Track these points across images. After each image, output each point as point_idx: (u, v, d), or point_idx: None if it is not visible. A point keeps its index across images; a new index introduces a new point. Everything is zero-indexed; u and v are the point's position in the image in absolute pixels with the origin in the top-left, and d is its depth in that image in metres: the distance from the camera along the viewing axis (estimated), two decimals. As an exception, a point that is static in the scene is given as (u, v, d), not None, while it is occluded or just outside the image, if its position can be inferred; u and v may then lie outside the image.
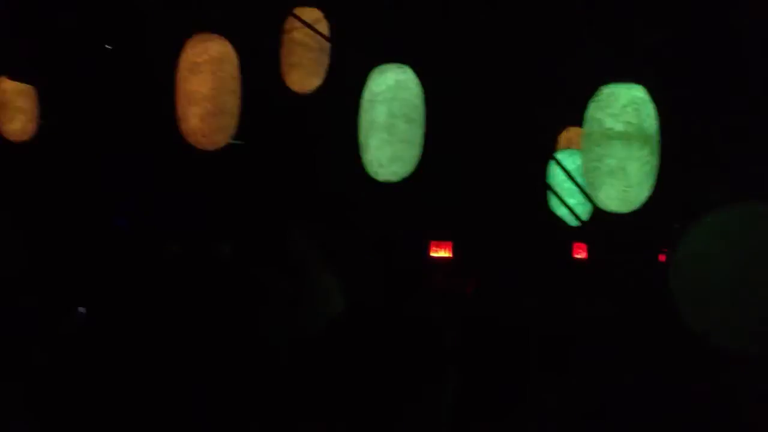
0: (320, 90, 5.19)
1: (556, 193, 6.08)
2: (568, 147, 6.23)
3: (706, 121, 5.72)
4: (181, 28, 4.52)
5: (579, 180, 5.35)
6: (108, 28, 5.44)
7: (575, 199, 5.93)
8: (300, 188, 8.69)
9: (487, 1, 5.18)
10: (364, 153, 4.66)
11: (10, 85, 5.62)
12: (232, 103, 4.55)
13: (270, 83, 5.15)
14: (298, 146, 8.16)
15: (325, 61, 5.13)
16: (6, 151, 6.03)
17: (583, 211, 6.07)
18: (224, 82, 4.49)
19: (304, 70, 5.15)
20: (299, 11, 4.93)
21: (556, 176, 6.10)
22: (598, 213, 5.00)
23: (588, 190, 4.56)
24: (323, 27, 5.00)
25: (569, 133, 6.30)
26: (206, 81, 4.40)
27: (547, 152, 6.10)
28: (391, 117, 4.61)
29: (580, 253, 11.47)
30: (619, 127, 4.17)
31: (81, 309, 5.02)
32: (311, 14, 4.96)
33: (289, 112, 6.22)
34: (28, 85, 5.62)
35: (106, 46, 5.47)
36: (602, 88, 4.27)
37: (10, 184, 6.81)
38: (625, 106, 4.18)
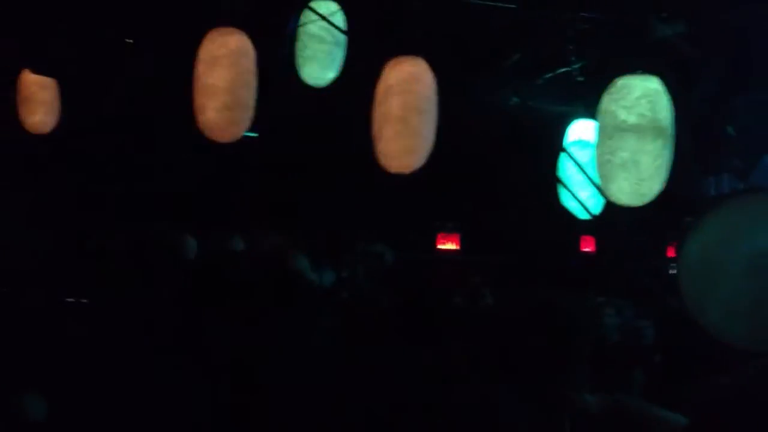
0: (335, 82, 5.20)
1: (566, 186, 6.09)
2: (579, 139, 6.23)
3: (720, 112, 5.73)
4: (200, 21, 4.55)
5: (590, 173, 5.37)
6: (128, 22, 5.47)
7: (586, 192, 5.94)
8: (310, 181, 8.73)
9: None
10: (377, 145, 4.69)
11: (32, 78, 5.66)
12: (248, 96, 4.59)
13: (285, 76, 5.17)
14: (312, 139, 8.17)
15: (340, 54, 5.14)
16: (27, 143, 6.07)
17: (594, 204, 6.09)
18: (241, 75, 4.52)
19: (319, 63, 5.17)
20: (315, 4, 4.95)
21: (567, 169, 6.10)
22: (608, 206, 5.02)
23: (600, 183, 4.58)
24: (339, 20, 5.02)
25: (580, 125, 6.30)
26: (224, 74, 4.43)
27: (558, 144, 6.11)
28: (404, 109, 4.64)
29: (589, 247, 11.48)
30: (632, 119, 4.18)
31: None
32: (327, 7, 4.98)
33: (304, 105, 6.23)
34: (50, 78, 5.65)
35: (127, 40, 5.49)
36: (616, 79, 4.28)
37: (30, 177, 6.85)
38: (639, 98, 4.19)
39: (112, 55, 5.78)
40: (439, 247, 12.34)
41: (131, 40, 5.58)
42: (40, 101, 5.67)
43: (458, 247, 12.36)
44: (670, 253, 8.47)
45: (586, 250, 11.50)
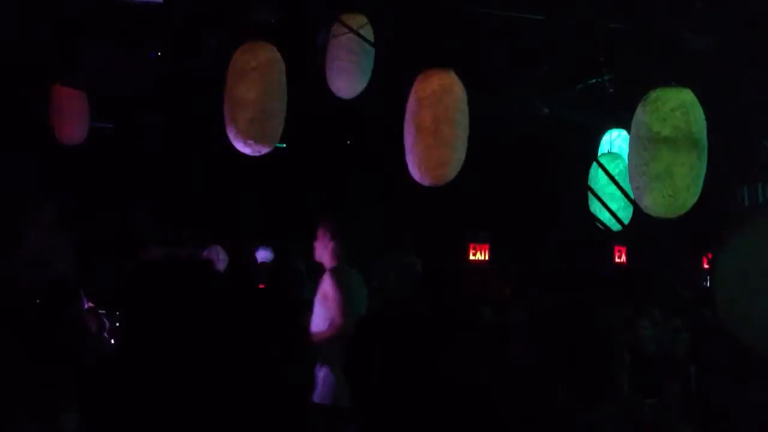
0: (364, 94, 5.20)
1: (598, 197, 6.03)
2: (611, 150, 6.19)
3: (754, 124, 5.67)
4: (231, 35, 4.58)
5: (623, 184, 5.31)
6: (157, 35, 5.53)
7: (617, 204, 5.89)
8: (342, 192, 8.74)
9: (531, 3, 5.16)
10: (410, 157, 4.68)
11: (63, 91, 5.74)
12: (278, 108, 4.60)
13: (314, 89, 5.18)
14: (342, 151, 8.20)
15: (369, 66, 5.14)
16: (60, 154, 6.15)
17: (626, 215, 6.03)
18: (272, 88, 4.54)
19: (348, 75, 5.17)
20: (344, 17, 4.96)
21: (598, 180, 6.06)
22: (640, 217, 4.97)
23: (633, 195, 4.53)
24: (368, 32, 5.02)
25: (612, 137, 6.26)
26: (254, 87, 4.45)
27: (590, 155, 6.06)
28: (436, 122, 4.62)
29: (621, 257, 11.40)
30: (666, 131, 4.13)
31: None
32: (356, 20, 4.98)
33: (334, 117, 6.24)
34: (80, 91, 5.73)
35: (158, 53, 5.56)
36: (650, 91, 4.24)
37: (63, 187, 6.93)
38: (673, 110, 4.14)
39: (142, 67, 5.84)
40: (471, 258, 12.31)
41: (160, 53, 5.62)
42: (70, 113, 5.75)
43: (488, 258, 12.33)
44: (705, 264, 8.38)
45: (620, 260, 11.42)
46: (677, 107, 4.13)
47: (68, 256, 6.01)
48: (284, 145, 6.50)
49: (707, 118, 4.19)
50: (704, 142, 4.18)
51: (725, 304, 4.27)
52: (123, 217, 7.22)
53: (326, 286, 5.22)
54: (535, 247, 9.92)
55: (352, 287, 5.25)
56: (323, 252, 5.39)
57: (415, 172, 4.66)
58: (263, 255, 7.85)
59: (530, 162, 7.99)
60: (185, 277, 3.32)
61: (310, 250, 5.53)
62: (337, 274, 5.25)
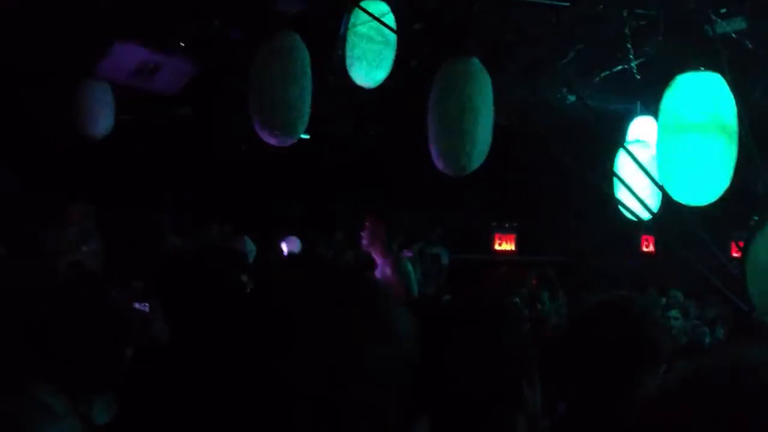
0: (386, 83, 5.16)
1: (626, 185, 5.95)
2: (638, 137, 6.10)
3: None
4: (255, 24, 4.57)
5: (651, 172, 5.23)
6: (180, 25, 5.53)
7: (646, 191, 5.81)
8: (366, 182, 8.72)
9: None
10: (433, 146, 4.65)
11: (88, 85, 5.78)
12: (303, 98, 4.58)
13: (335, 77, 5.16)
14: (365, 140, 8.17)
15: (390, 54, 5.10)
16: (86, 148, 6.18)
17: (654, 202, 5.94)
18: (296, 78, 4.52)
19: (368, 62, 5.13)
20: (365, 4, 4.92)
21: (625, 168, 5.97)
22: (669, 205, 4.90)
23: (662, 182, 4.45)
24: (389, 20, 4.98)
25: (640, 123, 6.17)
26: (279, 77, 4.44)
27: (617, 142, 5.98)
28: (459, 110, 4.58)
29: (649, 246, 11.29)
30: (695, 117, 4.06)
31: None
32: (377, 7, 4.94)
33: (356, 106, 6.22)
34: (105, 84, 5.76)
35: (181, 43, 5.55)
36: (677, 76, 4.16)
37: (90, 180, 6.96)
38: (701, 95, 4.06)
39: (169, 59, 5.84)
40: (496, 247, 12.25)
41: (183, 44, 5.62)
42: (96, 106, 5.78)
43: (515, 248, 12.26)
44: (734, 251, 8.26)
45: (647, 249, 11.30)
46: (706, 92, 4.04)
47: (97, 252, 6.04)
48: (308, 136, 6.47)
49: (736, 103, 4.10)
50: (734, 127, 4.09)
51: (756, 292, 4.20)
52: (146, 213, 7.24)
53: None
54: (562, 237, 9.85)
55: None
56: (374, 242, 5.39)
57: (439, 161, 4.63)
58: (290, 245, 7.85)
59: (556, 151, 7.92)
60: (219, 266, 3.32)
61: (336, 240, 5.52)
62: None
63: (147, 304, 4.38)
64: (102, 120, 5.84)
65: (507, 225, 12.02)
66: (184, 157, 8.01)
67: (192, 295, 3.34)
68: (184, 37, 5.62)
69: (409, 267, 5.40)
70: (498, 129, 4.73)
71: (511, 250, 12.18)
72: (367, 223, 5.39)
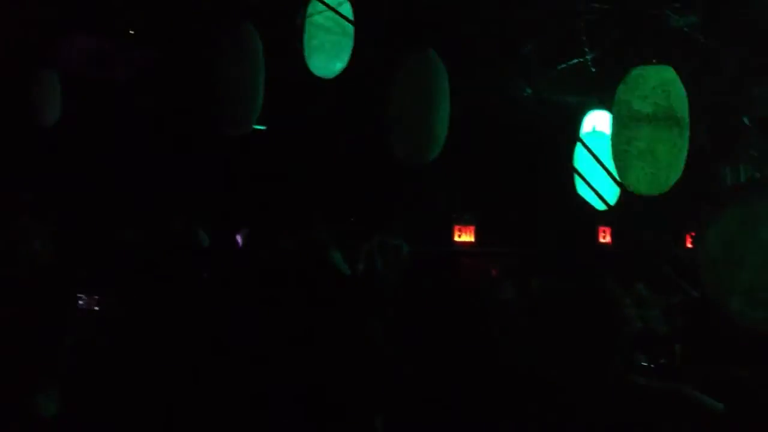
0: (344, 73, 5.15)
1: (582, 177, 6.01)
2: (594, 130, 6.16)
3: (735, 103, 5.65)
4: (211, 15, 4.53)
5: (606, 163, 5.29)
6: (134, 15, 5.45)
7: (602, 183, 5.87)
8: (322, 175, 8.69)
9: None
10: (390, 138, 4.65)
11: (38, 75, 5.68)
12: (257, 88, 4.56)
13: (293, 68, 5.13)
14: (322, 131, 8.14)
15: (348, 44, 5.08)
16: (35, 138, 6.09)
17: (610, 194, 6.01)
18: (250, 68, 4.49)
19: (326, 53, 5.11)
20: (323, -5, 4.90)
21: (582, 160, 6.03)
22: (625, 196, 4.96)
23: (616, 173, 4.51)
24: (346, 10, 4.96)
25: (595, 116, 6.23)
26: (233, 67, 4.40)
27: (573, 135, 6.03)
28: (416, 102, 4.59)
29: (606, 237, 11.40)
30: (647, 109, 4.11)
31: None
32: (335, -2, 4.92)
33: (312, 96, 6.19)
34: (53, 73, 5.66)
35: (130, 31, 5.47)
36: (631, 69, 4.21)
37: (43, 171, 6.86)
38: (654, 88, 4.11)
39: (119, 47, 5.77)
40: (456, 239, 12.29)
41: (134, 32, 5.54)
42: (44, 96, 5.69)
43: (474, 239, 12.31)
44: (688, 243, 8.38)
45: (604, 240, 11.42)
46: (658, 85, 4.10)
47: (48, 245, 5.94)
48: (264, 127, 6.43)
49: (689, 97, 4.17)
50: (686, 120, 4.15)
51: (710, 281, 4.26)
52: (103, 204, 7.14)
53: None
54: (521, 228, 9.91)
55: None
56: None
57: (397, 152, 4.64)
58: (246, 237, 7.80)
59: (514, 143, 7.96)
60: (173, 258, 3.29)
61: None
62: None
63: (95, 296, 4.33)
64: (51, 109, 5.75)
65: (467, 216, 12.07)
66: (140, 148, 7.92)
67: (146, 286, 3.32)
68: (136, 25, 5.54)
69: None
70: (455, 120, 4.74)
71: (470, 242, 12.24)
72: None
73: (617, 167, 4.38)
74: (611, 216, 8.65)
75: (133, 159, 8.02)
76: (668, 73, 4.15)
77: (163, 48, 5.77)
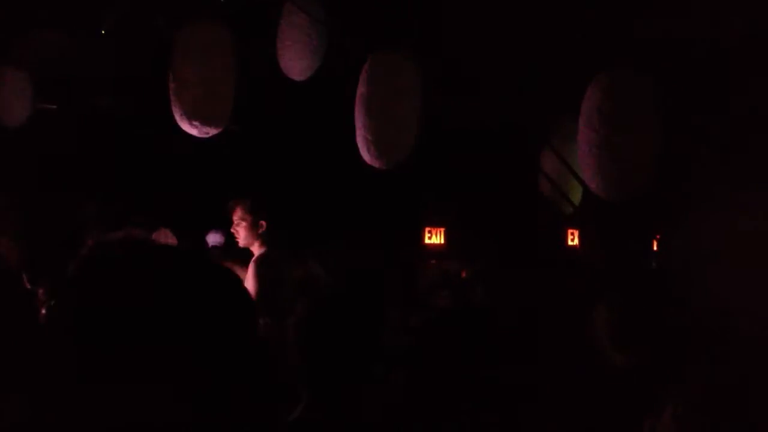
0: (317, 74, 5.13)
1: (550, 180, 6.06)
2: (561, 133, 6.19)
3: (706, 109, 5.71)
4: (178, 13, 4.49)
5: (574, 166, 5.33)
6: (102, 14, 5.40)
7: (569, 186, 5.92)
8: (294, 176, 8.67)
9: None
10: (359, 139, 4.64)
11: (5, 73, 5.61)
12: (226, 89, 4.53)
13: (266, 68, 5.11)
14: (294, 132, 8.11)
15: (321, 46, 5.07)
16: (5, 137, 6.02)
17: (578, 197, 6.06)
18: (218, 67, 4.46)
19: (298, 55, 5.08)
20: (295, -4, 4.88)
21: (550, 163, 6.07)
22: (592, 199, 4.99)
23: (584, 177, 4.54)
24: (319, 11, 4.95)
25: (564, 120, 6.27)
26: (200, 66, 4.37)
27: (541, 138, 6.07)
28: (386, 103, 4.59)
29: (574, 240, 11.49)
30: (614, 114, 4.14)
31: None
32: (308, -1, 4.91)
33: (285, 97, 6.16)
34: (23, 72, 5.60)
35: (102, 31, 5.42)
36: (598, 73, 4.25)
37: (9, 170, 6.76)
38: (620, 92, 4.16)
39: (86, 47, 5.71)
40: (426, 241, 12.32)
41: (103, 32, 5.50)
42: (12, 95, 5.63)
43: (444, 241, 12.35)
44: (654, 246, 8.47)
45: (572, 243, 11.50)
46: (624, 89, 4.14)
47: (17, 244, 5.87)
48: (237, 128, 6.39)
49: (661, 102, 4.20)
50: (651, 125, 4.19)
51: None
52: (67, 204, 7.05)
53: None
54: (490, 230, 9.94)
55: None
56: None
57: (365, 154, 4.63)
58: (214, 239, 7.77)
59: (482, 145, 7.99)
60: (140, 258, 3.26)
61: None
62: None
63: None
64: (19, 109, 5.68)
65: (437, 218, 12.10)
66: (108, 148, 7.85)
67: (111, 287, 3.27)
68: (105, 23, 5.49)
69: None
70: (427, 122, 4.74)
71: (441, 244, 12.27)
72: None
73: (584, 170, 4.40)
74: (581, 219, 8.72)
75: (100, 159, 7.95)
76: (636, 78, 4.20)
77: (131, 46, 5.72)
